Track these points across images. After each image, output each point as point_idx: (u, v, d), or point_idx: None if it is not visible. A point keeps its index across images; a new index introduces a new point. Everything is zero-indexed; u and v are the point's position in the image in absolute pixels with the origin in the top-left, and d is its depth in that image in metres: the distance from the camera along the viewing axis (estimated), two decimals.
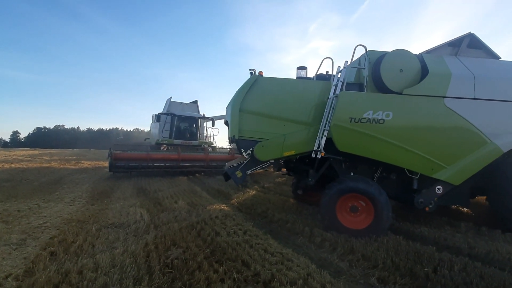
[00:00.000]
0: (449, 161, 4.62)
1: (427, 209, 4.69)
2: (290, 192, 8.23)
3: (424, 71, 4.80)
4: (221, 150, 14.06)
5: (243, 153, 4.84)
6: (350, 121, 4.51)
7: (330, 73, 5.38)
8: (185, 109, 14.39)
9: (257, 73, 5.22)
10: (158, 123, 13.66)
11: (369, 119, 4.52)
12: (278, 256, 3.49)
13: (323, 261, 3.55)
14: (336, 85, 4.71)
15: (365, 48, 4.74)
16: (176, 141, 13.30)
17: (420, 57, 4.92)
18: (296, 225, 4.90)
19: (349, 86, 4.92)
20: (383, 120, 4.54)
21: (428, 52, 5.20)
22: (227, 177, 5.14)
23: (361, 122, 4.52)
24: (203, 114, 14.15)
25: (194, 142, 13.79)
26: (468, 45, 5.28)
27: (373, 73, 4.84)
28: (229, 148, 13.74)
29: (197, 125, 13.99)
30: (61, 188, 8.55)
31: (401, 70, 4.77)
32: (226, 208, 6.28)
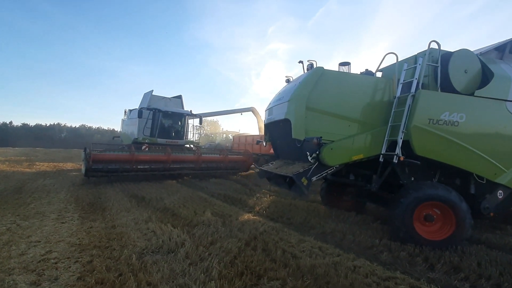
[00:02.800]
0: (509, 165, 4.56)
1: (492, 214, 4.57)
2: (307, 196, 7.75)
3: (483, 73, 4.69)
4: (211, 151, 12.96)
5: (308, 157, 4.16)
6: (429, 123, 4.16)
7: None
8: (168, 104, 12.88)
9: (309, 65, 4.59)
10: (137, 119, 11.99)
11: (446, 121, 4.23)
12: (391, 282, 2.95)
13: (440, 283, 3.09)
14: (402, 85, 4.33)
15: (439, 44, 4.41)
16: (160, 140, 11.81)
17: (479, 59, 4.80)
18: (361, 237, 4.40)
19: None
20: (458, 122, 4.28)
21: (481, 54, 5.13)
22: (290, 184, 4.38)
23: (438, 124, 4.20)
24: (190, 110, 12.85)
25: (180, 142, 12.41)
26: (510, 50, 5.36)
27: (435, 73, 4.56)
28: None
29: (183, 123, 12.64)
30: (31, 198, 6.77)
31: (466, 71, 4.58)
32: (259, 218, 5.53)
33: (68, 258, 3.44)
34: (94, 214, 5.62)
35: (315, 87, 4.23)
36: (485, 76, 4.70)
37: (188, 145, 12.94)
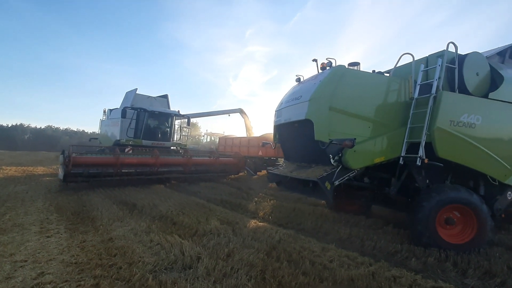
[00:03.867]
0: None
1: (503, 216, 4.62)
2: (305, 199, 7.56)
3: (491, 76, 4.76)
4: (201, 154, 12.38)
5: (331, 160, 3.93)
6: (450, 124, 4.10)
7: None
8: (154, 104, 12.12)
9: (328, 63, 4.39)
10: (119, 119, 11.16)
11: (465, 122, 4.20)
12: None
13: None
14: (420, 86, 4.25)
15: (456, 46, 4.39)
16: (145, 142, 11.05)
17: (488, 62, 4.88)
18: (381, 242, 4.24)
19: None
20: (475, 124, 4.28)
21: (487, 58, 5.23)
22: (313, 189, 4.10)
23: (458, 125, 4.16)
24: (178, 110, 12.19)
25: (166, 144, 11.71)
26: (510, 55, 5.53)
27: (450, 74, 4.56)
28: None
29: (170, 124, 11.95)
30: (4, 208, 5.90)
31: (478, 74, 4.61)
32: (268, 225, 5.23)
33: (67, 281, 2.90)
34: (83, 225, 4.99)
35: (337, 87, 4.03)
36: (493, 80, 4.78)
37: (175, 147, 12.28)
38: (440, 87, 4.18)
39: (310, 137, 4.13)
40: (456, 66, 4.35)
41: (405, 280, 2.97)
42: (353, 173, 4.11)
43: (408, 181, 4.58)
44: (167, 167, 10.16)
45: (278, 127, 5.32)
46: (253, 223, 5.34)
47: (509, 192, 4.69)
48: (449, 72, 4.50)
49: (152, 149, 10.53)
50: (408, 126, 4.31)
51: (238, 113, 14.60)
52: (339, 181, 3.97)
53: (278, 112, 5.17)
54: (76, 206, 6.54)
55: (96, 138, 14.86)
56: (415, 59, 4.60)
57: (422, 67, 4.46)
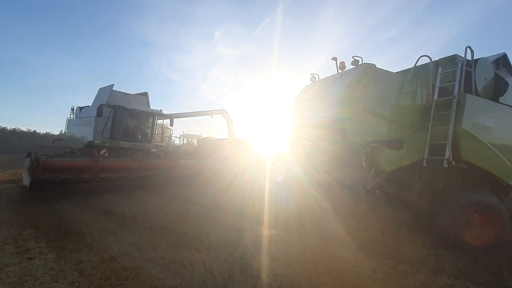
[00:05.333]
0: None
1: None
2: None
3: (495, 81, 4.96)
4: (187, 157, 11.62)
5: (363, 163, 3.73)
6: (472, 127, 4.15)
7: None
8: (132, 102, 11.10)
9: (355, 62, 4.23)
10: (93, 118, 9.99)
11: (482, 125, 4.28)
12: None
13: None
14: (442, 88, 4.28)
15: (472, 50, 4.47)
16: (124, 144, 10.04)
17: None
18: (406, 247, 4.14)
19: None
20: (489, 127, 4.38)
21: None
22: (351, 193, 3.85)
23: (478, 128, 4.23)
24: (161, 109, 11.31)
25: (147, 146, 10.78)
26: (503, 63, 5.86)
27: (466, 77, 4.63)
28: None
29: (152, 124, 11.02)
30: None
31: (486, 78, 4.78)
32: (279, 233, 4.90)
33: None
34: (70, 242, 4.21)
35: (367, 86, 3.86)
36: (496, 85, 4.99)
37: (156, 150, 11.39)
38: (462, 90, 4.22)
39: (338, 138, 3.90)
40: (473, 69, 4.43)
41: None
42: (383, 176, 3.97)
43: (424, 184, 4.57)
44: (151, 171, 9.34)
45: (296, 127, 5.03)
46: (264, 231, 4.97)
47: None
48: (468, 76, 4.58)
49: (134, 152, 9.62)
50: (430, 128, 4.28)
51: (221, 115, 14.12)
52: (371, 185, 3.79)
53: (296, 111, 4.89)
54: (52, 218, 5.61)
55: (61, 139, 13.26)
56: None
57: (440, 70, 4.48)
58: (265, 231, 4.97)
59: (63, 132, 13.94)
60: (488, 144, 4.34)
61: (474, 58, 4.48)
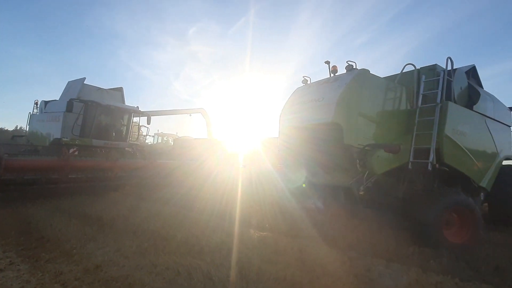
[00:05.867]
0: (486, 171, 5.33)
1: None
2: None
3: (468, 91, 5.38)
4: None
5: (357, 166, 3.82)
6: (453, 133, 4.44)
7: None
8: (106, 97, 10.38)
9: (349, 66, 4.34)
10: (61, 113, 9.25)
11: (460, 131, 4.61)
12: None
13: None
14: (424, 95, 4.55)
15: (452, 61, 4.77)
16: (96, 142, 9.38)
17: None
18: (393, 245, 4.32)
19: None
20: (465, 133, 4.73)
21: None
22: (344, 196, 3.89)
23: (457, 134, 4.54)
24: (137, 106, 10.72)
25: (121, 144, 10.17)
26: (472, 75, 6.38)
27: (447, 86, 4.94)
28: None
29: (127, 121, 10.40)
30: None
31: (461, 87, 5.16)
32: (269, 234, 4.89)
33: None
34: (44, 251, 3.82)
35: (362, 90, 3.97)
36: (469, 94, 5.40)
37: (130, 149, 10.80)
38: (444, 97, 4.51)
39: (333, 141, 3.97)
40: (453, 79, 4.76)
41: (447, 285, 3.00)
42: (374, 178, 4.11)
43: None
44: (127, 171, 8.84)
45: (288, 130, 5.02)
46: (255, 233, 4.92)
47: (482, 193, 5.34)
48: (448, 84, 4.90)
49: (107, 151, 9.04)
50: (415, 133, 4.52)
51: (200, 114, 13.75)
52: (363, 187, 3.90)
53: (288, 114, 4.89)
54: (18, 223, 5.08)
55: (23, 136, 12.05)
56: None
57: (424, 77, 4.74)
58: (255, 233, 4.91)
59: (21, 128, 12.70)
60: (465, 149, 4.68)
61: (455, 68, 4.82)
